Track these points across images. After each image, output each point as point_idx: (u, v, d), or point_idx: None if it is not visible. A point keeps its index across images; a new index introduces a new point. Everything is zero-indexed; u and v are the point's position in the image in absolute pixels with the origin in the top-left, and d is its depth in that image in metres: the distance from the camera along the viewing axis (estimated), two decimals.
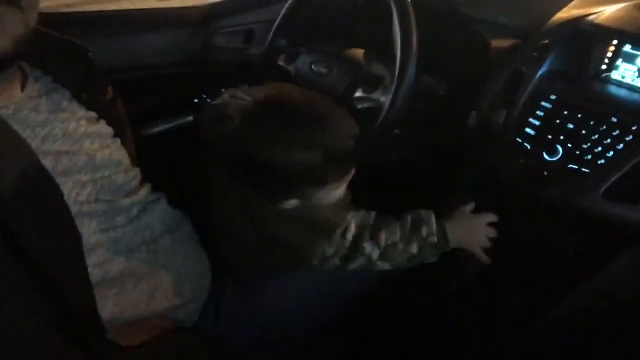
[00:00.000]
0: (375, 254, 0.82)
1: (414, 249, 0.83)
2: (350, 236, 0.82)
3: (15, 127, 0.66)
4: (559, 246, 0.97)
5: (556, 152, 0.89)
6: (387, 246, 0.82)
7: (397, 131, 1.03)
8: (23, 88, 0.77)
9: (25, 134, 0.70)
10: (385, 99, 0.97)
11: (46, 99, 0.78)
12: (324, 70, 1.08)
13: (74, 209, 0.70)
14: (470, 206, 0.91)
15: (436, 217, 0.86)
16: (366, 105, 1.02)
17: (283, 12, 1.17)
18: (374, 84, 1.01)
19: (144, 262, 0.79)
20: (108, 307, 0.73)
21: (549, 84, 0.94)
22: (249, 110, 0.74)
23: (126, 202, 0.80)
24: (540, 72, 0.95)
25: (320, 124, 0.72)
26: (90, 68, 0.86)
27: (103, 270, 0.74)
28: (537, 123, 0.93)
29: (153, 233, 0.82)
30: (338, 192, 0.81)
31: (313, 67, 1.10)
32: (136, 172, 0.86)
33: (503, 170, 0.96)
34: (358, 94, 1.02)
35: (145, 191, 0.85)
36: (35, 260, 0.61)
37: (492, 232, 0.90)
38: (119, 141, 0.86)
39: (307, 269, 0.85)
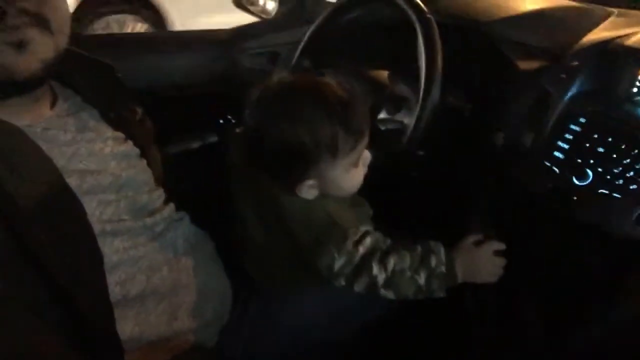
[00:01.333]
0: (382, 278, 0.80)
1: (421, 279, 0.81)
2: (361, 250, 0.80)
3: (43, 145, 0.68)
4: (587, 271, 0.93)
5: (586, 176, 0.86)
6: (394, 272, 0.81)
7: (420, 152, 1.02)
8: (52, 106, 0.79)
9: (52, 152, 0.70)
10: (409, 120, 0.96)
11: (74, 118, 0.79)
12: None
13: (96, 228, 0.71)
14: (475, 237, 0.88)
15: (446, 249, 0.84)
16: (390, 126, 1.01)
17: (308, 33, 1.18)
18: (397, 104, 1.01)
19: (166, 281, 0.78)
20: (128, 326, 0.73)
21: (578, 106, 0.91)
22: (263, 92, 0.79)
23: (149, 220, 0.80)
24: (569, 94, 0.93)
25: (324, 94, 0.77)
26: (118, 88, 0.87)
27: (124, 289, 0.74)
28: (566, 146, 0.90)
29: (175, 252, 0.82)
30: (355, 176, 0.82)
31: None
32: (160, 192, 0.86)
33: (530, 193, 0.94)
34: (382, 115, 1.02)
35: (168, 210, 0.85)
36: (55, 278, 0.61)
37: (499, 261, 0.87)
38: (144, 161, 0.86)
39: (326, 289, 0.84)
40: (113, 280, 0.72)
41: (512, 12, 1.15)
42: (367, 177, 0.98)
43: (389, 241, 0.84)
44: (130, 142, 0.85)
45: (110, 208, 0.76)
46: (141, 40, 1.37)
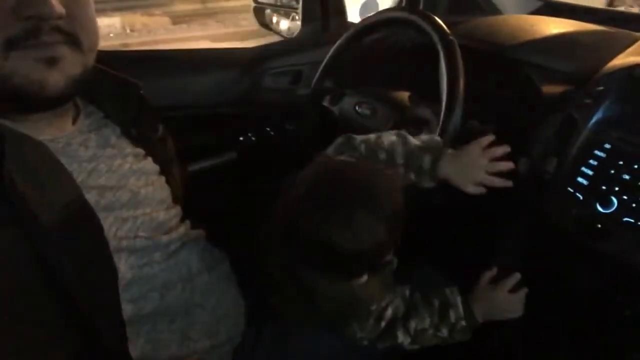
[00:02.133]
0: (406, 341, 0.81)
1: (444, 333, 0.82)
2: (383, 324, 0.81)
3: (63, 160, 0.68)
4: (615, 304, 0.90)
5: (610, 203, 0.84)
6: (417, 333, 0.81)
7: None
8: (74, 121, 0.79)
9: (72, 167, 0.71)
10: None
11: (95, 134, 0.80)
12: (367, 112, 1.08)
13: (112, 244, 0.71)
14: (490, 274, 0.87)
15: (461, 296, 0.83)
16: None
17: (330, 53, 1.19)
18: (418, 126, 1.00)
19: (179, 300, 0.78)
20: (139, 344, 0.72)
21: (603, 132, 0.89)
22: (309, 183, 0.70)
23: (165, 238, 0.80)
24: (594, 120, 0.91)
25: (378, 196, 0.68)
26: (141, 105, 0.88)
27: (137, 306, 0.73)
28: (590, 172, 0.88)
29: (190, 271, 0.81)
30: None
31: (357, 108, 1.10)
32: (177, 210, 0.86)
33: (554, 219, 0.92)
34: None
35: (184, 228, 0.85)
36: (69, 294, 0.61)
37: (518, 297, 0.86)
38: (163, 179, 0.86)
39: None
40: (126, 298, 0.72)
41: (537, 36, 1.14)
42: None
43: (407, 297, 0.84)
44: (149, 159, 0.85)
45: (127, 224, 0.76)
46: (164, 57, 1.39)
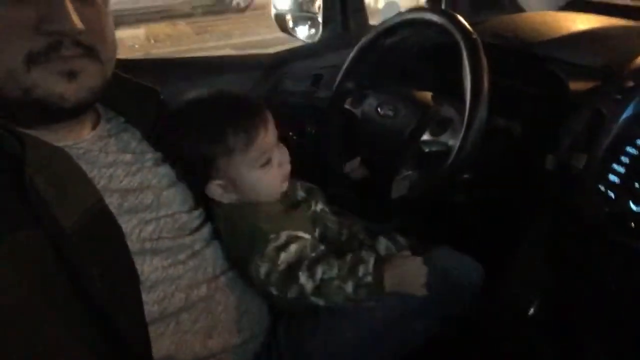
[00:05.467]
0: (309, 286, 0.79)
1: (349, 287, 0.79)
2: (283, 256, 0.79)
3: (84, 166, 0.69)
4: None
5: None
6: (323, 280, 0.79)
7: (466, 175, 0.99)
8: (94, 127, 0.80)
9: (92, 173, 0.72)
10: (453, 142, 0.94)
11: (115, 138, 0.81)
12: (390, 113, 1.07)
13: (136, 246, 0.71)
14: (408, 252, 0.85)
15: (376, 260, 0.80)
16: (434, 148, 0.99)
17: (351, 55, 1.18)
18: (442, 126, 0.98)
19: (203, 299, 0.78)
20: (164, 344, 0.72)
21: (634, 128, 0.87)
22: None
23: (188, 239, 0.80)
24: (624, 115, 0.88)
25: (212, 96, 0.85)
26: (161, 110, 0.89)
27: (161, 307, 0.73)
28: (622, 170, 0.86)
29: (214, 270, 0.82)
30: (263, 175, 0.84)
31: (379, 109, 1.09)
32: (200, 211, 0.86)
33: (585, 217, 0.89)
34: (425, 136, 1.00)
35: (207, 229, 0.85)
36: (93, 297, 0.61)
37: (423, 272, 0.83)
38: (185, 181, 0.87)
39: (355, 312, 0.83)
40: (151, 299, 0.72)
41: (562, 32, 1.12)
42: (410, 201, 0.96)
43: (321, 248, 0.83)
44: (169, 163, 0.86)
45: (150, 226, 0.76)
46: (186, 64, 1.40)
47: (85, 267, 0.61)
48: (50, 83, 0.66)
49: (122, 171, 0.77)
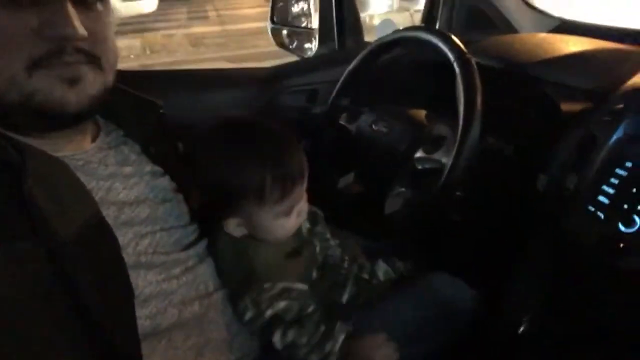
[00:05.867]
0: (278, 345, 0.80)
1: (314, 358, 0.80)
2: (270, 313, 0.80)
3: (82, 177, 0.69)
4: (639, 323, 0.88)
5: (633, 222, 0.83)
6: (292, 345, 0.79)
7: (458, 193, 1.00)
8: (94, 139, 0.80)
9: (91, 185, 0.72)
10: (447, 160, 0.95)
11: (115, 151, 0.81)
12: (384, 129, 1.08)
13: (131, 259, 0.71)
14: (381, 337, 0.83)
15: (346, 337, 0.80)
16: (427, 165, 1.00)
17: (347, 71, 1.20)
18: (435, 144, 0.99)
19: (196, 316, 0.77)
20: None
21: (624, 150, 0.88)
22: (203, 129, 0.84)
23: (183, 254, 0.80)
24: (614, 137, 0.90)
25: (256, 133, 0.80)
26: (160, 123, 0.89)
27: (154, 322, 0.73)
28: (611, 191, 0.87)
29: (207, 288, 0.81)
30: (284, 224, 0.82)
31: (374, 126, 1.10)
32: (194, 227, 0.86)
33: (575, 237, 0.90)
34: (419, 153, 1.01)
35: (202, 245, 0.85)
36: (88, 310, 0.61)
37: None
38: (181, 196, 0.87)
39: None
40: (144, 314, 0.71)
41: (554, 54, 1.14)
42: (404, 217, 0.97)
43: (310, 307, 0.83)
44: (167, 177, 0.86)
45: (146, 240, 0.76)
46: (182, 77, 1.41)
47: (80, 279, 0.61)
48: (51, 89, 0.66)
49: (120, 184, 0.77)
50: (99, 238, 0.67)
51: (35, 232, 0.59)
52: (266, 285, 0.80)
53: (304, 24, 1.66)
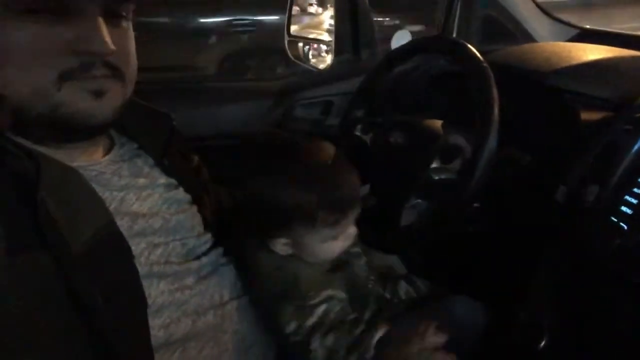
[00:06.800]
0: (318, 355, 0.78)
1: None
2: (310, 321, 0.78)
3: (96, 188, 0.69)
4: None
5: None
6: (331, 350, 0.78)
7: (475, 204, 0.98)
8: (108, 152, 0.81)
9: (104, 195, 0.72)
10: (463, 171, 0.93)
11: (128, 163, 0.81)
12: (400, 140, 1.06)
13: (144, 269, 0.71)
14: (421, 329, 0.80)
15: (380, 339, 0.80)
16: (443, 176, 0.98)
17: (362, 82, 1.19)
18: (452, 154, 0.98)
19: (210, 326, 0.77)
20: None
21: None
22: (258, 143, 0.85)
23: (195, 264, 0.80)
24: (636, 146, 0.88)
25: (319, 164, 0.79)
26: (174, 136, 0.89)
27: (168, 332, 0.72)
28: (634, 201, 0.84)
29: (221, 297, 0.81)
30: (332, 246, 0.82)
31: (389, 137, 1.09)
32: (208, 237, 0.86)
33: (596, 250, 0.88)
34: (435, 164, 0.99)
35: (215, 254, 0.85)
36: (97, 320, 0.61)
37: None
38: (195, 207, 0.87)
39: None
40: (157, 324, 0.71)
41: (573, 62, 1.12)
42: (420, 229, 0.95)
43: (349, 314, 0.82)
44: (181, 189, 0.86)
45: (159, 250, 0.76)
46: (197, 90, 1.42)
47: (92, 290, 0.61)
48: (79, 101, 0.68)
49: (133, 195, 0.77)
50: (112, 248, 0.67)
51: (47, 242, 0.59)
52: (310, 293, 0.79)
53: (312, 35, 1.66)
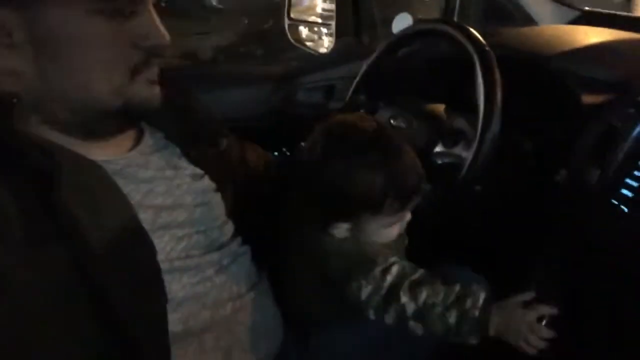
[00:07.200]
0: (410, 308, 0.76)
1: (452, 317, 0.75)
2: (389, 278, 0.77)
3: (119, 181, 0.68)
4: None
5: None
6: (425, 304, 0.76)
7: (478, 187, 0.99)
8: (137, 143, 0.80)
9: (129, 188, 0.72)
10: (466, 154, 0.94)
11: (157, 155, 0.81)
12: (402, 125, 1.07)
13: (166, 265, 0.71)
14: (528, 295, 0.79)
15: (486, 297, 0.77)
16: (446, 160, 0.99)
17: (364, 66, 1.19)
18: (455, 138, 0.99)
19: (226, 318, 0.77)
20: None
21: None
22: (331, 127, 0.81)
23: (216, 255, 0.80)
24: (637, 129, 0.88)
25: (389, 151, 0.78)
26: (199, 126, 0.89)
27: (186, 326, 0.73)
28: (635, 184, 0.85)
29: (239, 289, 0.81)
30: (390, 231, 0.82)
31: (392, 121, 1.09)
32: (230, 226, 0.86)
33: (597, 233, 0.89)
34: (438, 148, 1.00)
35: (235, 244, 0.85)
36: (116, 317, 0.61)
37: (541, 331, 0.76)
38: (219, 195, 0.86)
39: (361, 323, 0.82)
40: (176, 318, 0.72)
41: (575, 45, 1.12)
42: (423, 213, 0.96)
43: (421, 271, 0.81)
44: (206, 178, 0.85)
45: (182, 243, 0.76)
46: (199, 75, 1.41)
47: (111, 286, 0.61)
48: (145, 91, 0.72)
49: (159, 187, 0.77)
50: (134, 243, 0.66)
51: (66, 237, 0.59)
52: (379, 259, 0.79)
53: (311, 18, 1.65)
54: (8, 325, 0.53)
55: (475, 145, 0.91)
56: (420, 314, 0.76)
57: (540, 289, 0.83)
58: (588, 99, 0.99)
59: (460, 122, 1.00)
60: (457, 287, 0.78)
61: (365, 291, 0.78)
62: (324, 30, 1.64)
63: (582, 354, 0.89)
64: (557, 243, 1.00)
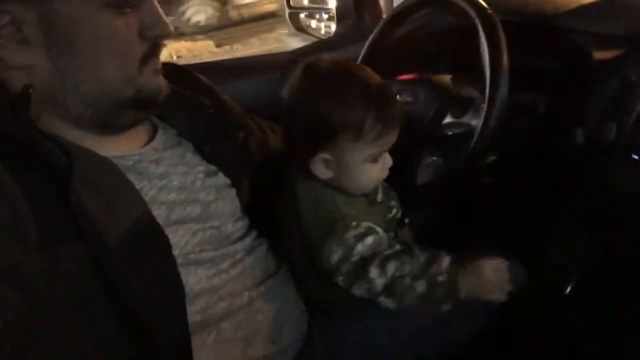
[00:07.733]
0: (379, 284, 0.76)
1: (421, 286, 0.75)
2: (361, 247, 0.77)
3: (132, 177, 0.69)
4: None
5: None
6: (394, 278, 0.75)
7: (492, 157, 0.97)
8: (150, 139, 0.80)
9: (142, 184, 0.72)
10: (476, 122, 0.91)
11: (170, 151, 0.80)
12: (409, 99, 1.05)
13: (181, 258, 0.71)
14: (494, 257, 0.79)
15: (451, 260, 0.77)
16: (457, 130, 0.97)
17: (368, 42, 1.18)
18: (463, 107, 0.96)
19: (244, 307, 0.77)
20: (205, 354, 0.71)
21: None
22: (306, 68, 0.82)
23: (231, 248, 0.80)
24: None
25: (369, 77, 0.80)
26: (212, 121, 0.87)
27: (204, 316, 0.73)
28: None
29: (255, 278, 0.81)
30: (371, 170, 0.81)
31: (398, 96, 1.07)
32: (245, 220, 0.85)
33: (618, 189, 0.86)
34: (447, 119, 0.98)
35: (250, 238, 0.84)
36: (133, 311, 0.61)
37: (502, 279, 0.77)
38: (233, 191, 0.85)
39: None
40: (194, 310, 0.71)
41: (581, 2, 1.09)
42: (437, 186, 0.94)
43: (396, 246, 0.80)
44: (220, 174, 0.85)
45: (197, 238, 0.76)
46: (205, 66, 1.41)
47: (128, 281, 0.61)
48: (151, 79, 0.73)
49: (176, 182, 0.77)
50: (149, 238, 0.67)
51: (80, 235, 0.59)
52: (353, 223, 0.78)
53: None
54: (26, 321, 0.53)
55: (484, 112, 0.89)
56: (390, 289, 0.76)
57: (564, 250, 0.81)
58: (599, 55, 0.96)
59: (467, 90, 0.98)
60: (423, 256, 0.78)
61: (335, 256, 0.77)
62: (325, 15, 1.63)
63: (610, 305, 0.86)
64: (578, 203, 0.97)
